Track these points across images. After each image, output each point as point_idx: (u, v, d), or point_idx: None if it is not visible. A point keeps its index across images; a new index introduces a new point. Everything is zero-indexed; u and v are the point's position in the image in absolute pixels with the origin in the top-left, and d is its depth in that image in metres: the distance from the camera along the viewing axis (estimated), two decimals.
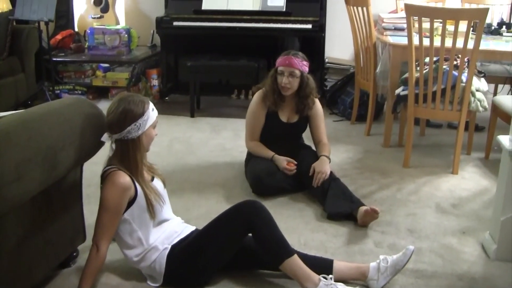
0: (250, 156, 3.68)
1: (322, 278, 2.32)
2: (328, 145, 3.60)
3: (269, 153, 3.56)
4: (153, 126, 2.39)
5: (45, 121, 2.09)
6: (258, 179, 3.45)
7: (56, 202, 2.33)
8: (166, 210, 2.49)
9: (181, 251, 2.40)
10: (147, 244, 2.39)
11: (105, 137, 2.31)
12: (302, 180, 3.47)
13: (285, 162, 3.48)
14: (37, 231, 2.19)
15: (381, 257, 2.48)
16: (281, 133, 3.64)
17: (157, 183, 2.49)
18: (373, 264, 2.47)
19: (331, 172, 3.37)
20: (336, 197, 3.23)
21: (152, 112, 2.36)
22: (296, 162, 3.50)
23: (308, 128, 3.71)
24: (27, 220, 2.12)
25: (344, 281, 2.42)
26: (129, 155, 2.32)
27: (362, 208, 3.06)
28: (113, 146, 2.36)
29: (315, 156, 3.52)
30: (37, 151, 1.97)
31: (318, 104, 3.64)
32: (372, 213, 3.03)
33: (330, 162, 3.48)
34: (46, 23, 5.06)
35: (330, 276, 2.35)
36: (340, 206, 3.17)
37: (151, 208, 2.36)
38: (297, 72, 3.46)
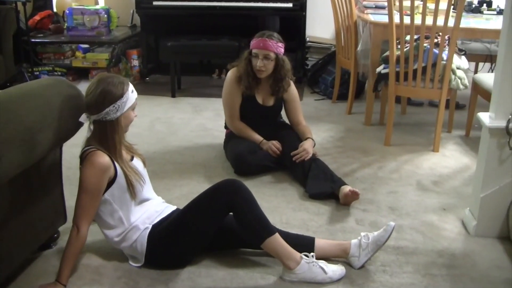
0: (229, 138, 3.67)
1: (303, 256, 2.33)
2: (308, 127, 3.62)
3: (258, 138, 3.55)
4: (132, 108, 2.36)
5: (23, 102, 2.05)
6: (241, 157, 3.43)
7: (36, 184, 2.30)
8: (146, 189, 2.47)
9: (162, 231, 2.39)
10: (128, 224, 2.38)
11: (83, 117, 2.27)
12: (284, 162, 3.47)
13: (273, 146, 3.48)
14: (17, 214, 2.17)
15: (362, 233, 2.49)
16: (258, 115, 3.62)
17: (137, 163, 2.47)
18: (354, 241, 2.48)
19: (312, 154, 3.38)
20: (317, 177, 3.23)
21: (131, 94, 2.33)
22: (281, 149, 3.49)
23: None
24: (7, 202, 2.09)
25: (326, 259, 2.44)
26: (107, 136, 2.29)
27: (343, 189, 3.07)
28: (91, 127, 2.33)
29: (297, 138, 3.53)
30: (15, 133, 1.93)
31: (293, 88, 3.63)
32: (353, 195, 3.04)
33: (314, 146, 3.50)
34: (24, 4, 4.99)
35: (312, 254, 2.37)
36: (321, 186, 3.17)
37: (131, 188, 2.34)
38: (272, 55, 3.42)
